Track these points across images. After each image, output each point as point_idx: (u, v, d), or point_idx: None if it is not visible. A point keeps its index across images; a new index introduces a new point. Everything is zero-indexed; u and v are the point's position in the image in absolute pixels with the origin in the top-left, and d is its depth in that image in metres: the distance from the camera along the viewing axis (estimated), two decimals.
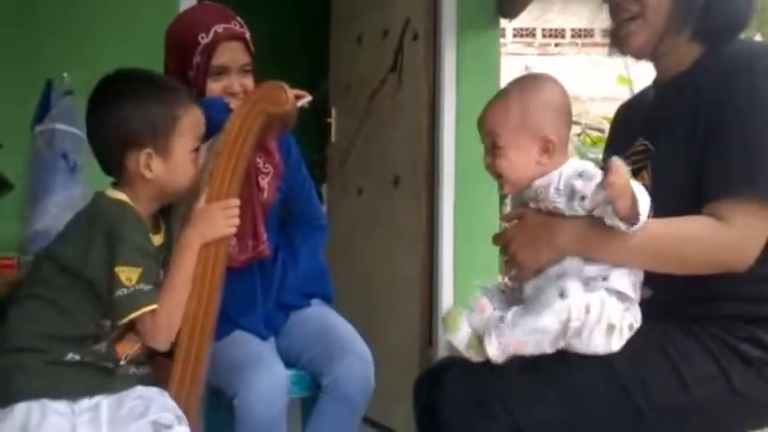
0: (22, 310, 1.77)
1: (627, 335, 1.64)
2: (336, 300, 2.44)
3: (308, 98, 2.01)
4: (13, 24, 3.24)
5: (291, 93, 1.88)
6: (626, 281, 1.64)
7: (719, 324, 1.68)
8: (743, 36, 1.84)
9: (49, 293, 1.76)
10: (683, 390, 1.63)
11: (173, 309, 1.78)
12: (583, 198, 1.63)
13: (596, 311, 1.59)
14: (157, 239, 1.85)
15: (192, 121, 1.85)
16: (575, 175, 1.65)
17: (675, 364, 1.64)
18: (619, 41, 1.86)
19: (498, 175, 1.75)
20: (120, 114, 1.80)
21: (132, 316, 1.72)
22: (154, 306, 1.74)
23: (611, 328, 1.61)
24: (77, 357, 1.73)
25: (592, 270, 1.65)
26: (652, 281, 1.71)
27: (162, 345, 1.79)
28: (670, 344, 1.66)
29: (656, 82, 1.93)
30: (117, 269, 1.71)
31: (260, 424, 2.00)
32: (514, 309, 1.65)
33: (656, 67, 1.90)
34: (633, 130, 1.87)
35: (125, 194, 1.80)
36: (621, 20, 1.83)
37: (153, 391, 1.79)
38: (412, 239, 3.64)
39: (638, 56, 1.87)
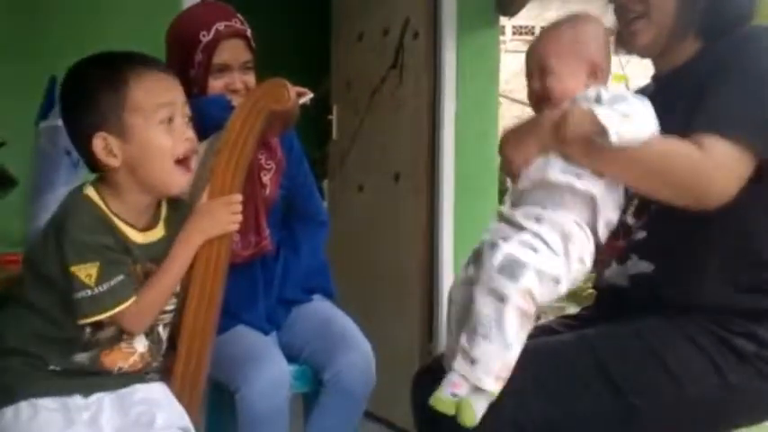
0: (8, 313, 1.74)
1: (583, 260, 1.66)
2: (337, 295, 2.45)
3: (310, 95, 2.02)
4: (17, 21, 3.24)
5: (293, 90, 1.87)
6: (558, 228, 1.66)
7: (713, 319, 1.68)
8: None
9: (27, 296, 1.71)
10: (676, 386, 1.64)
11: (156, 298, 1.73)
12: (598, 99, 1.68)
13: (538, 286, 1.58)
14: (152, 235, 1.76)
15: (147, 90, 1.68)
16: (605, 90, 1.72)
17: (668, 361, 1.65)
18: (625, 41, 1.87)
19: (542, 99, 1.79)
20: (71, 104, 1.73)
21: (99, 318, 1.65)
22: (127, 304, 1.66)
23: (557, 280, 1.62)
24: (59, 369, 1.69)
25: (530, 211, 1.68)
26: (653, 255, 1.73)
27: (138, 332, 1.73)
28: (662, 341, 1.66)
29: (655, 77, 1.94)
30: (72, 269, 1.62)
31: (262, 418, 2.02)
32: (474, 341, 1.60)
33: (657, 63, 1.91)
34: None
35: (96, 189, 1.70)
36: (627, 19, 1.84)
37: (156, 392, 1.77)
38: (412, 236, 3.66)
39: (645, 54, 1.89)
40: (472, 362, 1.58)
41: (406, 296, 3.67)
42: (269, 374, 2.03)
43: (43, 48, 3.21)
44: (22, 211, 2.95)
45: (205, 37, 2.13)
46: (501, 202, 4.20)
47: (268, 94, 1.87)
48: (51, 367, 1.69)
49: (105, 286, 1.63)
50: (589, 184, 1.67)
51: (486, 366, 1.57)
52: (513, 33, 8.21)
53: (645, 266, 1.75)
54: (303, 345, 2.24)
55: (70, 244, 1.62)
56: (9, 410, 1.65)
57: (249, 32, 2.22)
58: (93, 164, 1.71)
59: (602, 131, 1.58)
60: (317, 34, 4.71)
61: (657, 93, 1.88)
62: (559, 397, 1.64)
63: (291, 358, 2.20)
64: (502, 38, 4.74)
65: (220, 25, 2.15)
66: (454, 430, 1.66)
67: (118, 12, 3.33)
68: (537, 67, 1.80)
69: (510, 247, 1.61)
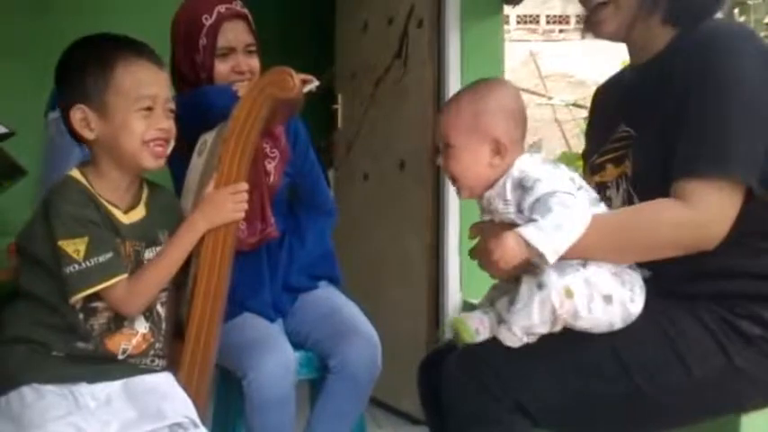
0: (12, 305, 1.76)
1: (635, 296, 1.65)
2: (343, 283, 2.45)
3: (315, 83, 2.01)
4: (27, 14, 3.26)
5: (298, 78, 1.89)
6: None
7: (720, 302, 1.68)
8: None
9: (25, 285, 1.75)
10: (683, 368, 1.64)
11: (153, 281, 1.76)
12: (520, 212, 1.66)
13: (582, 290, 1.60)
14: (135, 214, 1.81)
15: (132, 77, 1.75)
16: (516, 185, 1.67)
17: (675, 343, 1.65)
18: (591, 27, 1.86)
19: (453, 179, 1.77)
20: (63, 71, 1.79)
21: (88, 292, 1.67)
22: (116, 279, 1.69)
23: (607, 298, 1.61)
24: (62, 355, 1.71)
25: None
26: (650, 262, 1.70)
27: (133, 313, 1.75)
28: (670, 323, 1.66)
29: (631, 66, 1.92)
30: (60, 243, 1.65)
31: (269, 404, 2.03)
32: (505, 305, 1.67)
33: (630, 50, 1.90)
34: (613, 115, 1.87)
35: (81, 171, 1.76)
36: (592, 5, 1.83)
37: (162, 382, 1.78)
38: (418, 224, 3.65)
39: (612, 40, 1.88)
40: (500, 322, 1.67)
41: (412, 284, 3.67)
42: (275, 361, 2.04)
43: (52, 40, 3.22)
44: (31, 202, 2.98)
45: (207, 20, 2.17)
46: None
47: (273, 83, 1.89)
48: (55, 353, 1.70)
49: (93, 261, 1.66)
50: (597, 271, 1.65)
51: (510, 329, 1.65)
52: (518, 22, 8.21)
53: (642, 273, 1.72)
54: (309, 332, 2.25)
55: (58, 218, 1.66)
56: (13, 395, 1.67)
57: (249, 16, 2.25)
58: (78, 140, 1.80)
59: (539, 255, 1.56)
60: (321, 24, 4.71)
61: (634, 85, 1.87)
62: (565, 379, 1.65)
63: (298, 345, 2.21)
64: (506, 27, 4.73)
65: (221, 8, 2.19)
66: (461, 415, 1.68)
67: (125, 6, 3.34)
68: (441, 143, 1.78)
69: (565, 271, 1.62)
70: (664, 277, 1.70)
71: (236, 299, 2.03)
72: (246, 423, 2.06)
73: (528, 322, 1.62)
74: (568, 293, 1.59)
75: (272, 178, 2.24)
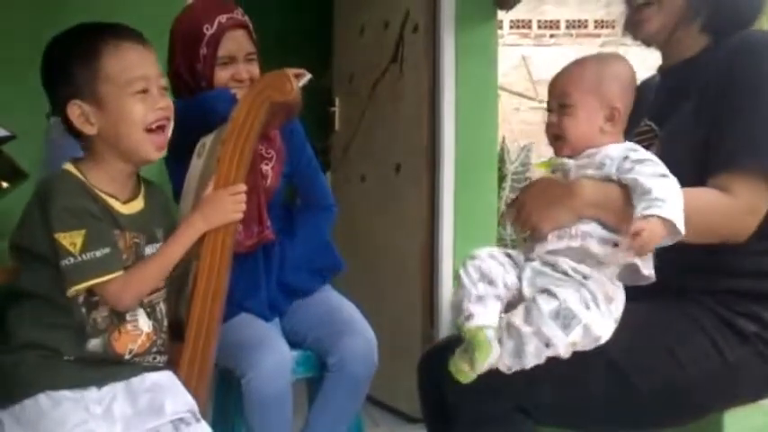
0: (13, 308, 1.73)
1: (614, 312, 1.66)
2: (340, 283, 2.45)
3: (308, 76, 1.99)
4: (26, 14, 3.26)
5: (296, 82, 1.89)
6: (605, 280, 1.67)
7: (717, 298, 1.70)
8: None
9: (26, 285, 1.71)
10: (678, 368, 1.66)
11: (147, 279, 1.73)
12: (625, 159, 1.67)
13: (582, 339, 1.61)
14: (134, 206, 1.78)
15: (120, 61, 1.70)
16: (631, 150, 1.69)
17: (670, 343, 1.67)
18: (633, 26, 1.88)
19: (558, 137, 1.77)
20: (49, 72, 1.75)
21: (82, 286, 1.63)
22: (111, 276, 1.65)
23: (597, 340, 1.63)
24: (72, 359, 1.69)
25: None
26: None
27: (123, 308, 1.71)
28: (664, 321, 1.69)
29: (661, 68, 1.95)
30: (57, 236, 1.62)
31: (267, 402, 2.04)
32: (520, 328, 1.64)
33: (664, 53, 1.92)
34: (637, 113, 1.87)
35: (75, 166, 1.73)
36: (637, 5, 1.85)
37: (164, 379, 1.77)
38: (413, 225, 3.67)
39: (650, 42, 1.90)
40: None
41: (408, 285, 3.69)
42: (272, 360, 2.05)
43: None
44: None
45: (209, 30, 2.16)
46: (500, 190, 4.22)
47: (271, 86, 1.89)
48: (66, 357, 1.68)
49: (89, 255, 1.63)
50: (628, 255, 1.64)
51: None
52: (511, 27, 8.20)
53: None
54: (307, 331, 2.25)
55: (55, 210, 1.63)
56: (29, 402, 1.65)
57: (250, 24, 2.25)
58: (73, 131, 1.75)
59: (677, 233, 1.56)
60: (319, 28, 4.73)
61: (663, 85, 1.90)
62: (563, 381, 1.65)
63: (296, 344, 2.22)
64: (499, 32, 4.74)
65: (222, 18, 2.18)
66: (459, 414, 1.70)
67: (128, 8, 3.35)
68: (556, 101, 1.78)
69: (567, 296, 1.61)
70: (660, 271, 1.70)
71: (234, 299, 2.03)
72: (246, 421, 2.07)
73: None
74: (573, 346, 1.61)
75: (268, 181, 2.25)
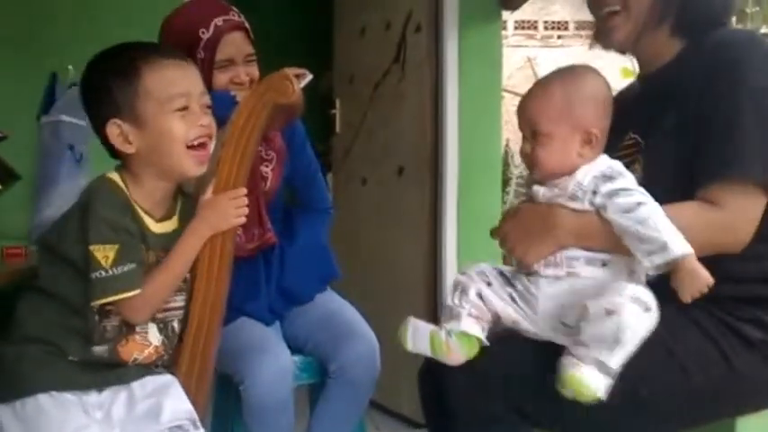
0: (26, 302, 1.75)
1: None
2: (342, 287, 2.44)
3: (310, 77, 1.98)
4: (17, 17, 3.25)
5: (298, 84, 1.88)
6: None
7: (722, 305, 1.69)
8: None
9: (46, 284, 1.73)
10: (682, 374, 1.64)
11: (159, 290, 1.74)
12: (595, 193, 1.64)
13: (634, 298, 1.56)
14: (167, 225, 1.80)
15: (160, 79, 1.72)
16: (601, 177, 1.65)
17: (675, 349, 1.65)
18: (601, 36, 1.87)
19: (535, 164, 1.73)
20: (88, 91, 1.76)
21: (107, 300, 1.66)
22: (134, 292, 1.67)
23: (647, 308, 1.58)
24: (76, 360, 1.70)
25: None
26: None
27: (137, 322, 1.73)
28: (669, 328, 1.65)
29: (639, 76, 1.95)
30: (92, 248, 1.64)
31: (267, 409, 2.02)
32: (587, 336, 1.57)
33: (639, 60, 1.92)
34: (621, 125, 1.86)
35: (120, 175, 1.73)
36: (603, 14, 1.84)
37: (163, 383, 1.77)
38: (416, 228, 3.66)
39: (621, 50, 1.89)
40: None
41: (411, 289, 3.68)
42: (273, 366, 2.03)
43: (44, 42, 3.21)
44: (24, 206, 2.97)
45: (205, 34, 2.12)
46: (504, 194, 4.20)
47: (273, 88, 1.88)
48: (70, 358, 1.69)
49: (118, 270, 1.65)
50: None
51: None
52: (515, 28, 8.20)
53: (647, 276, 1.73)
54: (308, 336, 2.24)
55: (96, 222, 1.64)
56: (30, 401, 1.66)
57: (247, 24, 2.21)
58: (112, 150, 1.76)
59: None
60: (319, 28, 4.71)
61: (643, 94, 1.90)
62: None
63: (297, 350, 2.20)
64: (504, 33, 4.73)
65: (219, 20, 2.13)
66: (462, 421, 1.69)
67: (118, 10, 3.33)
68: (527, 128, 1.73)
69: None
70: (664, 280, 1.69)
71: (233, 303, 2.01)
72: (245, 429, 2.05)
73: (623, 352, 1.56)
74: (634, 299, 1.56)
75: (268, 183, 2.23)
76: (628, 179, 1.64)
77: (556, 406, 1.63)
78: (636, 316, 1.54)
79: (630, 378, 1.62)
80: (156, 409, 1.71)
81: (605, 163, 1.69)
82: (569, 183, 1.68)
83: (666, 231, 1.55)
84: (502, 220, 1.81)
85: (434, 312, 3.59)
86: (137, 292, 1.68)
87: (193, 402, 1.78)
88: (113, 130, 1.71)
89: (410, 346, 1.71)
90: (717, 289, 1.67)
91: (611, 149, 1.85)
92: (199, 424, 1.74)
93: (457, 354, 1.66)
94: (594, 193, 1.64)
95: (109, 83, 1.71)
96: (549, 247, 1.67)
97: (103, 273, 1.64)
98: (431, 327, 1.71)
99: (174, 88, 1.72)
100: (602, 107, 1.72)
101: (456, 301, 1.70)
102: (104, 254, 1.64)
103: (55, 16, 3.28)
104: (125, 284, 1.66)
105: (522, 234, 1.72)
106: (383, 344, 2.23)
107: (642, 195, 1.60)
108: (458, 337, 1.67)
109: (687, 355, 1.65)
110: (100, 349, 1.71)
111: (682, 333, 1.67)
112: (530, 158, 1.73)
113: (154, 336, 1.77)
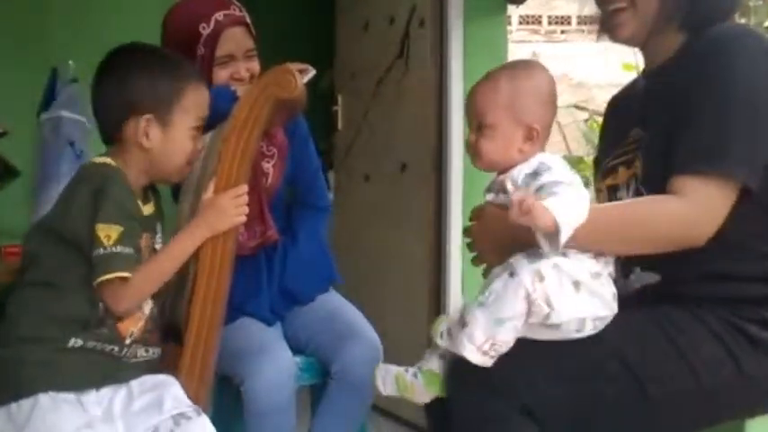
0: (20, 299, 1.76)
1: (603, 285, 1.62)
2: (344, 286, 2.43)
3: (312, 72, 1.99)
4: (18, 13, 3.25)
5: (300, 78, 1.87)
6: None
7: (727, 305, 1.68)
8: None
9: (42, 275, 1.74)
10: (691, 375, 1.63)
11: (147, 283, 1.76)
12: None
13: (552, 275, 1.57)
14: (148, 209, 1.85)
15: (197, 97, 1.85)
16: (532, 172, 1.66)
17: (683, 349, 1.64)
18: (608, 30, 1.87)
19: (477, 154, 1.75)
20: (126, 81, 1.81)
21: (104, 278, 1.69)
22: (125, 274, 1.70)
23: (577, 284, 1.59)
24: (80, 342, 1.70)
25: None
26: (657, 265, 1.71)
27: (121, 312, 1.74)
28: (677, 328, 1.66)
29: (644, 72, 1.94)
30: (97, 226, 1.69)
31: (268, 411, 2.01)
32: (470, 306, 1.63)
33: (645, 55, 1.91)
34: (626, 121, 1.87)
35: (112, 160, 1.79)
36: (609, 10, 1.83)
37: (162, 380, 1.78)
38: (419, 226, 3.64)
39: (629, 45, 1.90)
40: (462, 325, 1.61)
41: (414, 287, 3.66)
42: (274, 367, 2.02)
43: (45, 39, 3.21)
44: (24, 203, 2.96)
45: (205, 29, 2.10)
46: None
47: (274, 83, 1.87)
48: (70, 345, 1.70)
49: (117, 249, 1.69)
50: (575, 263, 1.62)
51: (471, 334, 1.59)
52: (520, 23, 8.21)
53: (650, 277, 1.73)
54: (309, 336, 2.23)
55: (109, 203, 1.70)
56: (27, 402, 1.67)
57: (248, 19, 2.19)
58: (116, 138, 1.82)
59: (556, 229, 1.52)
60: (321, 23, 4.69)
61: (647, 89, 1.89)
62: (572, 381, 1.63)
63: (298, 350, 2.19)
64: (508, 28, 4.72)
65: (219, 15, 2.12)
66: (464, 424, 1.67)
67: (119, 6, 3.32)
68: (475, 120, 1.76)
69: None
70: (670, 281, 1.71)
71: (234, 302, 2.01)
72: (246, 430, 2.04)
73: (501, 314, 1.58)
74: (539, 277, 1.56)
75: (269, 179, 2.21)
76: (555, 172, 1.63)
77: (564, 407, 1.63)
78: (503, 282, 1.57)
79: (639, 376, 1.63)
80: (158, 400, 1.73)
81: (538, 159, 1.70)
82: (506, 180, 1.70)
83: (569, 198, 1.54)
84: (471, 225, 1.83)
85: (438, 311, 3.58)
86: (116, 275, 1.69)
87: (194, 403, 1.77)
88: (141, 123, 1.79)
89: (382, 389, 1.76)
90: (723, 289, 1.70)
91: (615, 147, 1.88)
92: (201, 411, 1.75)
93: (422, 393, 1.72)
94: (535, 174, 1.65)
95: (155, 81, 1.81)
96: (513, 250, 1.64)
97: (102, 250, 1.68)
98: (396, 369, 1.75)
99: (202, 112, 1.86)
100: (546, 102, 1.74)
101: (440, 342, 1.72)
102: (107, 233, 1.69)
103: (55, 12, 3.27)
104: (120, 264, 1.69)
105: (489, 239, 1.75)
106: (385, 344, 2.23)
107: (564, 186, 1.58)
108: (423, 375, 1.73)
109: (695, 356, 1.64)
110: (102, 328, 1.73)
111: (689, 333, 1.66)
112: (473, 149, 1.76)
113: (147, 304, 1.81)
